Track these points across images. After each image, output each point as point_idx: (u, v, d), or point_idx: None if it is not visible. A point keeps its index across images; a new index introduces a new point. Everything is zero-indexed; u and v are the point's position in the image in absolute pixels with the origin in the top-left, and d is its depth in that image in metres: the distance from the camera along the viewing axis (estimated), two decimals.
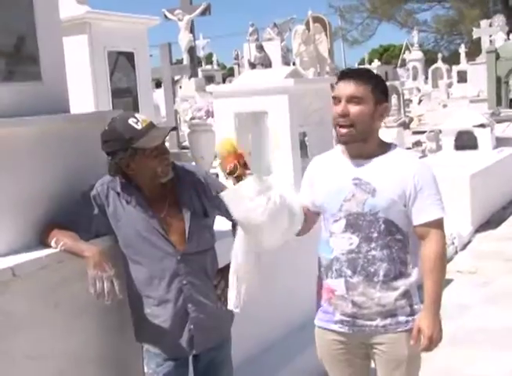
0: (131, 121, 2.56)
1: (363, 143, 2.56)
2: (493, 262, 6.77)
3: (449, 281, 6.14)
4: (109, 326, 2.85)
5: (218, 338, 2.80)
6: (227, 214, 2.68)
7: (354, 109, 2.50)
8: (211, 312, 2.71)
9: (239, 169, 2.45)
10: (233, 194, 2.39)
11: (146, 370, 2.74)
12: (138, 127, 2.55)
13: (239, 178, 2.44)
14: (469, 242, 7.64)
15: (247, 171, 2.46)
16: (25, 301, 2.52)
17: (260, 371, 3.72)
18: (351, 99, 2.50)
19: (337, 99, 2.54)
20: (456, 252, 7.23)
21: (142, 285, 2.66)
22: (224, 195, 2.40)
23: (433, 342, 2.53)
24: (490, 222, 8.40)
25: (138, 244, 2.63)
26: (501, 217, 8.68)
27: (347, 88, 2.51)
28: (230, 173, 2.44)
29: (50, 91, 2.96)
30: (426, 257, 2.54)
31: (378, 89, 2.55)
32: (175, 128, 2.81)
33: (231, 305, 2.55)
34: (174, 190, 2.70)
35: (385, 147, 2.62)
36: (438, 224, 2.56)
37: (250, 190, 2.36)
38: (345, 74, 2.58)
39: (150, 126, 2.59)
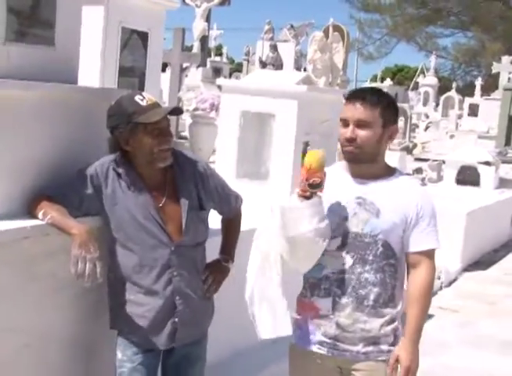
0: (137, 97, 2.57)
1: (369, 164, 2.53)
2: (477, 304, 6.72)
3: (430, 316, 6.06)
4: (83, 307, 2.79)
5: (198, 333, 2.78)
6: (220, 208, 2.85)
7: (362, 133, 2.46)
8: (197, 306, 2.70)
9: (322, 186, 2.42)
10: (300, 213, 2.41)
11: (119, 356, 2.66)
12: (143, 103, 2.54)
13: (310, 196, 2.41)
14: (455, 279, 7.57)
15: (319, 193, 2.43)
16: (2, 269, 2.44)
17: (230, 374, 3.69)
18: (359, 123, 2.46)
19: (344, 122, 2.50)
20: (441, 288, 7.14)
21: (130, 272, 2.60)
22: (286, 210, 2.43)
23: (410, 374, 2.50)
24: (480, 263, 8.33)
25: (133, 229, 2.57)
26: (491, 259, 8.60)
27: (356, 111, 2.46)
28: (314, 186, 2.39)
29: (61, 58, 2.90)
30: (414, 285, 2.52)
31: (387, 112, 2.51)
32: (180, 111, 2.87)
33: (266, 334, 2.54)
34: (173, 179, 2.67)
35: (390, 171, 2.61)
36: (432, 255, 2.55)
37: (313, 212, 2.41)
38: (354, 95, 2.52)
39: (155, 105, 2.58)
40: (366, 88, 2.62)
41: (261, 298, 2.54)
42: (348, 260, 2.50)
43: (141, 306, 2.60)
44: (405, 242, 2.52)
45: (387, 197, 2.50)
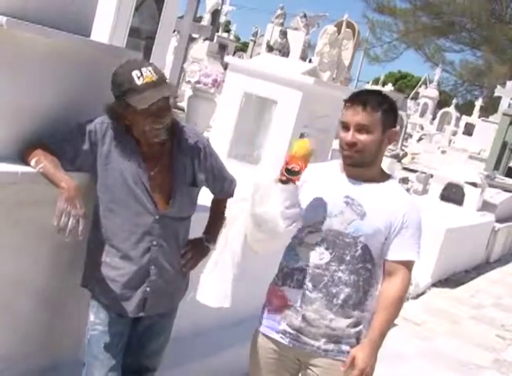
0: (134, 73, 2.45)
1: (366, 168, 2.53)
2: (440, 321, 6.79)
3: (393, 325, 6.06)
4: (59, 261, 2.77)
5: (168, 306, 2.78)
6: (213, 188, 2.85)
7: (362, 138, 2.46)
8: (171, 279, 2.69)
9: (300, 175, 2.41)
10: (270, 192, 2.41)
11: (92, 318, 2.65)
12: (138, 82, 2.44)
13: (287, 181, 2.40)
14: (423, 293, 7.62)
15: (296, 182, 2.44)
16: None
17: (187, 352, 3.67)
18: (360, 128, 2.45)
19: (345, 126, 2.49)
20: (408, 299, 7.16)
21: (110, 234, 2.59)
22: (259, 186, 2.44)
23: None
24: (449, 281, 8.39)
25: (121, 192, 2.55)
26: (461, 279, 8.67)
27: (357, 116, 2.45)
28: (292, 172, 2.38)
29: (78, 9, 2.83)
30: (386, 293, 2.51)
31: (388, 116, 2.50)
32: (175, 96, 2.62)
33: (219, 302, 2.56)
34: (171, 151, 2.64)
35: (384, 176, 2.60)
36: (410, 266, 2.54)
37: (284, 197, 2.41)
38: (355, 99, 2.49)
39: (150, 85, 2.45)
40: (367, 92, 2.60)
41: (215, 264, 2.58)
42: (326, 256, 2.50)
43: (115, 270, 2.59)
44: (385, 249, 2.52)
45: (376, 201, 2.50)
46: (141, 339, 2.76)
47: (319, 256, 2.51)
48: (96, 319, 2.64)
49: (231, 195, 2.94)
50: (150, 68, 2.50)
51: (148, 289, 2.63)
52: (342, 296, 2.50)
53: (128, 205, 2.56)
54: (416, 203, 2.72)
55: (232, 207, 2.64)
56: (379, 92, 2.61)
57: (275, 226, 2.44)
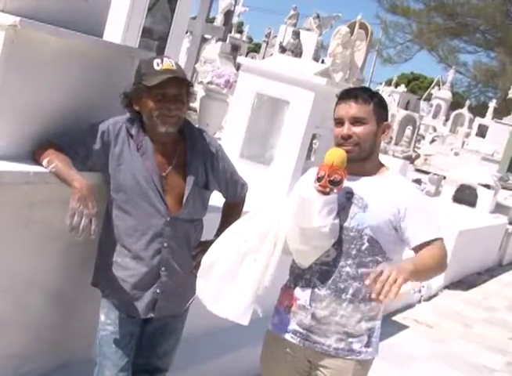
0: (155, 61, 2.55)
1: (364, 161, 2.54)
2: (452, 323, 6.76)
3: (405, 327, 6.16)
4: (71, 260, 2.78)
5: (178, 307, 2.76)
6: (225, 192, 2.85)
7: (358, 130, 2.48)
8: (181, 281, 2.68)
9: (342, 184, 2.42)
10: (317, 207, 2.40)
11: (102, 318, 2.66)
12: (157, 68, 2.52)
13: (329, 192, 2.41)
14: (435, 295, 7.59)
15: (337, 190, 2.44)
16: None
17: (199, 353, 3.69)
18: (355, 121, 2.48)
19: (339, 122, 2.51)
20: (420, 301, 7.17)
21: (122, 234, 2.59)
22: (305, 201, 2.43)
23: (391, 278, 2.15)
24: (462, 283, 8.35)
25: (133, 193, 2.56)
26: (474, 281, 8.63)
27: (349, 109, 2.49)
28: (335, 183, 2.40)
29: (91, 9, 2.85)
30: (430, 250, 2.41)
31: (380, 109, 2.54)
32: (189, 84, 2.67)
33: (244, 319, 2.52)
34: (184, 153, 2.66)
35: (383, 169, 2.61)
36: (438, 243, 2.46)
37: (329, 209, 2.42)
38: (346, 94, 2.54)
39: (168, 71, 2.52)
40: (357, 88, 2.66)
41: (228, 275, 2.51)
42: (332, 253, 2.49)
43: (125, 270, 2.60)
44: (404, 240, 2.48)
45: (378, 193, 2.50)
46: (152, 340, 2.77)
47: (326, 253, 2.50)
48: (107, 320, 2.64)
49: (243, 199, 2.95)
50: (172, 60, 2.58)
51: (158, 290, 2.63)
52: (351, 291, 2.48)
53: (139, 206, 2.56)
54: (418, 188, 2.71)
55: (260, 219, 2.56)
56: (368, 88, 2.68)
57: (323, 241, 2.46)
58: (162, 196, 2.58)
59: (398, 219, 2.47)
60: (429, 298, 7.37)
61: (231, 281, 2.53)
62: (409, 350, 5.53)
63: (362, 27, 18.57)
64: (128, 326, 2.66)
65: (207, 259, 2.57)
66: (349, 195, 2.51)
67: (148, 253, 2.59)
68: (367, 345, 2.53)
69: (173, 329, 2.81)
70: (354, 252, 2.48)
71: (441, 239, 2.48)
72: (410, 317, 6.51)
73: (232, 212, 2.90)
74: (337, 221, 2.45)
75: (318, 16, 18.21)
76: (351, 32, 16.38)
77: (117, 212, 2.59)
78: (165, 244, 2.60)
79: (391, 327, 5.84)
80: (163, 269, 2.62)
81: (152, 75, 2.49)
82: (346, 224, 2.49)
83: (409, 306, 6.82)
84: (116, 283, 2.61)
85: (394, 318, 6.29)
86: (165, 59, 2.56)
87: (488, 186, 9.77)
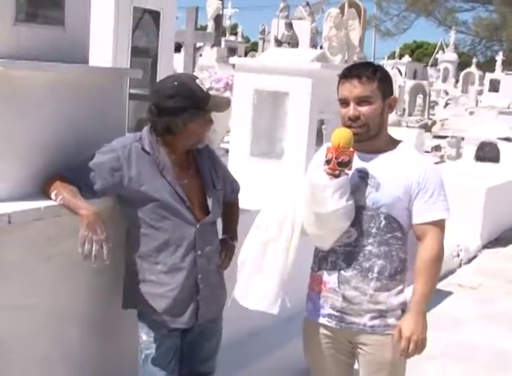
0: (198, 81, 2.58)
1: (374, 139, 2.53)
2: (496, 281, 6.65)
3: (449, 294, 6.08)
4: (98, 288, 2.80)
5: (217, 310, 2.82)
6: (225, 190, 2.86)
7: (364, 109, 2.46)
8: (215, 282, 2.76)
9: (351, 164, 2.42)
10: (329, 191, 2.41)
11: (144, 338, 2.67)
12: (204, 90, 2.58)
13: (339, 174, 2.42)
14: (475, 257, 7.49)
15: (347, 171, 2.45)
16: (18, 250, 2.46)
17: (244, 355, 3.68)
18: (360, 100, 2.46)
19: (344, 102, 2.49)
20: (460, 265, 7.08)
21: (153, 251, 2.61)
22: (316, 187, 2.45)
23: (412, 345, 2.44)
24: (500, 240, 8.22)
25: (161, 209, 2.58)
26: (511, 236, 8.47)
27: (354, 89, 2.46)
28: (343, 164, 2.40)
29: (71, 39, 2.87)
30: (419, 257, 2.49)
31: (384, 84, 2.51)
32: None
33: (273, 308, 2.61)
34: (194, 159, 2.73)
35: (394, 144, 2.59)
36: (440, 225, 2.51)
37: (342, 191, 2.43)
38: (349, 73, 2.50)
39: (208, 91, 2.63)
40: (359, 64, 2.61)
41: (254, 267, 2.62)
42: (353, 234, 2.51)
43: (163, 286, 2.61)
44: (411, 215, 2.50)
45: (389, 170, 2.50)
46: (194, 347, 2.79)
47: (346, 235, 2.51)
48: (149, 338, 2.66)
49: (237, 196, 3.02)
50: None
51: (199, 297, 2.66)
52: (376, 269, 2.50)
53: (169, 220, 2.58)
54: (431, 162, 2.70)
55: (277, 207, 2.64)
56: (370, 63, 2.64)
57: (340, 224, 2.48)
58: (188, 205, 2.61)
59: (408, 196, 2.49)
60: (469, 261, 7.28)
61: (258, 272, 2.62)
62: (456, 315, 5.47)
63: (353, 5, 18.46)
64: (171, 340, 2.68)
65: (239, 259, 2.68)
66: (362, 174, 2.51)
67: (185, 263, 2.62)
68: (401, 317, 2.53)
69: (213, 332, 2.84)
70: (374, 231, 2.49)
71: (441, 222, 2.50)
72: (453, 282, 6.44)
73: (233, 209, 2.99)
74: (351, 202, 2.46)
75: (307, 4, 18.18)
76: (342, 13, 16.30)
77: (146, 231, 2.60)
78: (199, 252, 2.64)
79: (435, 296, 5.71)
80: (199, 276, 2.65)
81: (209, 99, 2.56)
82: (362, 203, 2.50)
83: (451, 272, 6.75)
84: (155, 301, 2.62)
85: (437, 287, 6.21)
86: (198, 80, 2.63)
87: (508, 139, 9.62)
